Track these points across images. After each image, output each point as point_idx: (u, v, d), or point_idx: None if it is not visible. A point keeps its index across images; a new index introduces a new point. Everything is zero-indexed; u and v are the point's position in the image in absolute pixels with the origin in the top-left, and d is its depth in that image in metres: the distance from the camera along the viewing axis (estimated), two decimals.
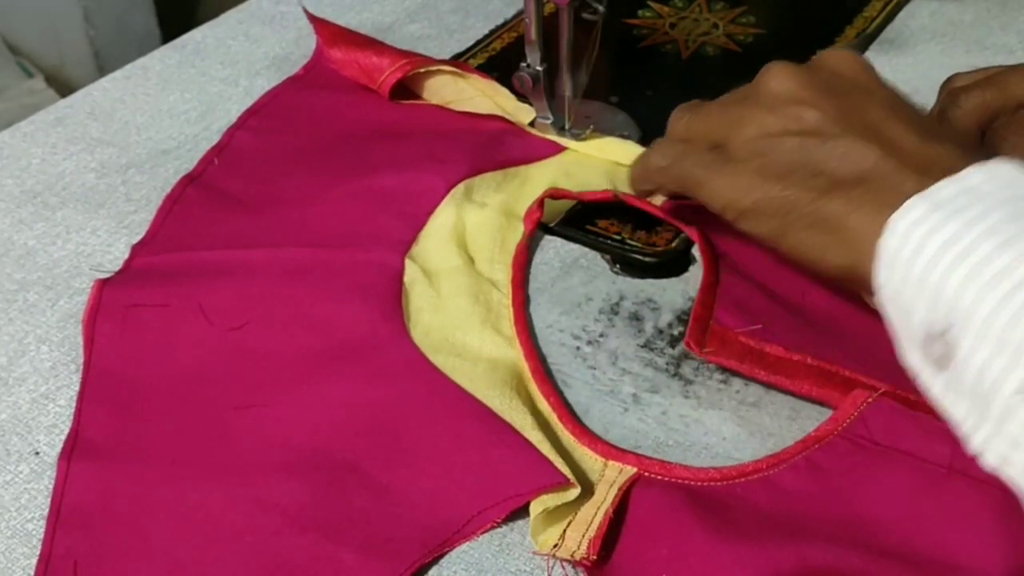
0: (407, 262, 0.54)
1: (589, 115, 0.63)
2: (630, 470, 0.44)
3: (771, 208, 0.46)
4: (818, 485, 0.43)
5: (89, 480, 0.45)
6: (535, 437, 0.45)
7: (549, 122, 0.62)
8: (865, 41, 0.71)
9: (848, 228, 0.43)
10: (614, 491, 0.43)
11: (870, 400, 0.45)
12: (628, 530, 0.42)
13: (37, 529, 0.44)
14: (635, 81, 0.68)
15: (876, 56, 0.70)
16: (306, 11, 0.70)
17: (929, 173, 0.41)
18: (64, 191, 0.61)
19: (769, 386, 0.48)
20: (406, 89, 0.66)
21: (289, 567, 0.41)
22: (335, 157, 0.61)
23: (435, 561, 0.42)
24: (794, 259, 0.46)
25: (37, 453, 0.47)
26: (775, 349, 0.48)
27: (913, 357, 0.41)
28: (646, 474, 0.44)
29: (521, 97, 0.63)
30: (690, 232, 0.54)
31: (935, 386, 0.41)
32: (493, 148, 0.61)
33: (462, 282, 0.53)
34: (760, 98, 0.48)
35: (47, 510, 0.44)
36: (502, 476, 0.44)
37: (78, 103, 0.69)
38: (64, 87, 1.65)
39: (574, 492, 0.43)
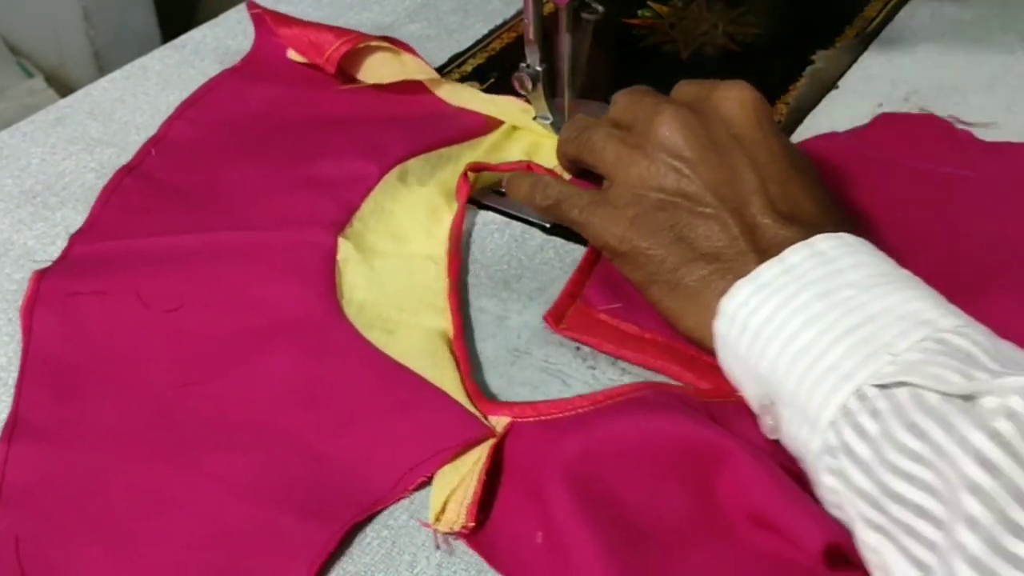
0: (340, 240, 0.55)
1: (589, 115, 0.63)
2: (505, 420, 0.45)
3: (638, 261, 0.49)
4: (686, 419, 0.44)
5: (30, 460, 0.45)
6: (463, 399, 0.46)
7: (549, 122, 0.62)
8: (865, 41, 0.71)
9: (699, 303, 0.47)
10: (486, 449, 0.44)
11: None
12: (503, 487, 0.43)
13: None
14: (635, 81, 0.68)
15: (876, 56, 0.70)
16: (250, 3, 0.71)
17: (769, 255, 0.44)
18: (64, 191, 0.61)
19: (618, 359, 0.50)
20: (343, 72, 0.67)
21: (233, 535, 0.42)
22: (272, 147, 0.63)
23: (372, 518, 0.43)
24: (658, 311, 0.49)
25: None
26: (629, 327, 0.50)
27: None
28: (519, 420, 0.45)
29: (521, 96, 0.63)
30: None
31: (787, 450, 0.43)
32: (426, 131, 0.63)
33: (397, 263, 0.55)
34: (648, 142, 0.50)
35: None
36: (430, 434, 0.45)
37: (78, 103, 0.69)
38: (64, 87, 1.65)
39: (477, 451, 0.44)
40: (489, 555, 0.41)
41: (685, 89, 0.53)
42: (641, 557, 0.40)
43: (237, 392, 0.48)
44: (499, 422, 0.45)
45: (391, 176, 0.59)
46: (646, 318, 0.50)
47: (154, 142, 0.64)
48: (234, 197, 0.59)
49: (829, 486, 0.40)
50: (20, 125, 0.67)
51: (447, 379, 0.48)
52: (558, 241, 0.57)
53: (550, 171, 0.59)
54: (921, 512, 0.36)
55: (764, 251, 0.45)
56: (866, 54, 0.70)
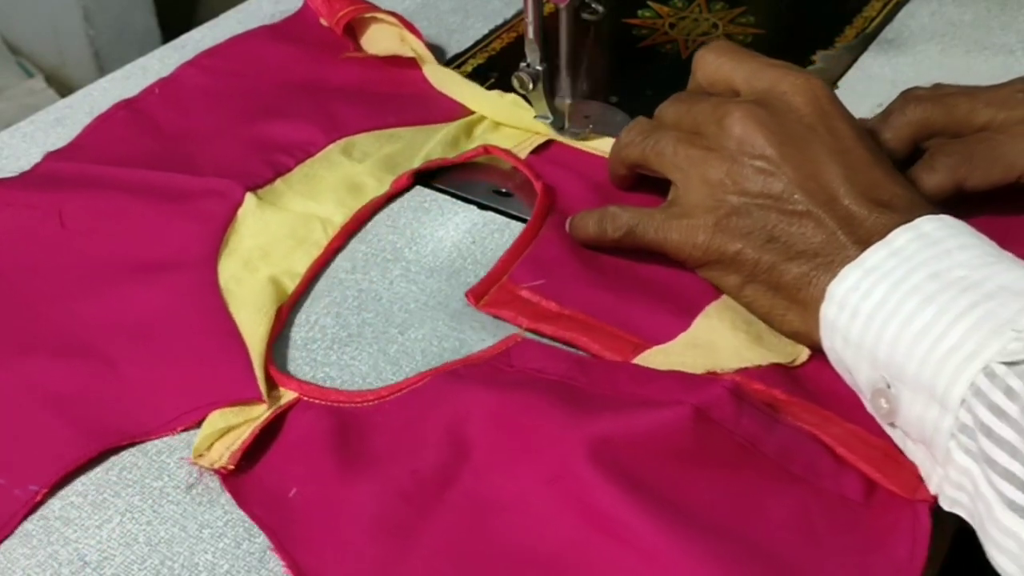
0: (248, 196, 0.57)
1: (589, 115, 0.63)
2: (291, 394, 0.48)
3: (729, 266, 0.49)
4: (456, 390, 0.47)
5: None
6: (258, 362, 0.49)
7: (549, 121, 0.62)
8: (865, 41, 0.71)
9: (801, 299, 0.46)
10: (267, 412, 0.47)
11: (519, 340, 0.50)
12: (274, 448, 0.46)
13: (37, 529, 0.44)
14: (635, 81, 0.68)
15: (876, 56, 0.70)
16: None
17: (871, 244, 0.44)
18: None
19: (533, 332, 0.51)
20: (352, 36, 0.70)
21: (12, 434, 0.47)
22: (248, 102, 0.66)
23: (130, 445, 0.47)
24: (752, 312, 0.49)
25: None
26: (549, 304, 0.52)
27: (872, 411, 0.44)
28: (304, 398, 0.48)
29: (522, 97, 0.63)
30: (537, 185, 0.58)
31: (896, 437, 0.44)
32: (394, 109, 0.64)
33: (290, 218, 0.57)
34: (724, 144, 0.49)
35: (47, 510, 0.44)
36: (212, 385, 0.48)
37: (78, 103, 0.68)
38: (64, 87, 1.65)
39: (259, 409, 0.47)
40: (240, 497, 0.44)
41: (728, 75, 0.51)
42: (402, 515, 0.43)
43: (94, 314, 0.52)
44: (287, 394, 0.48)
45: (335, 147, 0.61)
46: (569, 296, 0.52)
47: (161, 82, 0.68)
48: (191, 142, 0.63)
49: (962, 467, 0.39)
50: (20, 125, 0.67)
51: (257, 337, 0.50)
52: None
53: (505, 152, 0.60)
54: None
55: (865, 241, 0.44)
56: (866, 54, 0.70)
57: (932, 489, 0.42)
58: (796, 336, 0.48)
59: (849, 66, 0.69)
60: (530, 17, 0.58)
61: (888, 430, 0.44)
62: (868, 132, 0.50)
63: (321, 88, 0.66)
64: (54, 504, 0.45)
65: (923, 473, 0.42)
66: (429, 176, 0.61)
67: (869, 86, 0.67)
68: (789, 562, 0.40)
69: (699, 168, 0.49)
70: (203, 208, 0.57)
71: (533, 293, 0.52)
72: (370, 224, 0.58)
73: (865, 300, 0.42)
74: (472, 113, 0.64)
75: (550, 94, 0.61)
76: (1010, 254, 0.43)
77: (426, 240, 0.57)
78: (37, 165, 0.61)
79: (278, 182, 0.59)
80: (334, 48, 0.70)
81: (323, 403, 0.48)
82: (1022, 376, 0.37)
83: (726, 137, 0.48)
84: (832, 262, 0.45)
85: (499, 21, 0.75)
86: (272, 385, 0.48)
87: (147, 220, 0.56)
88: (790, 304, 0.47)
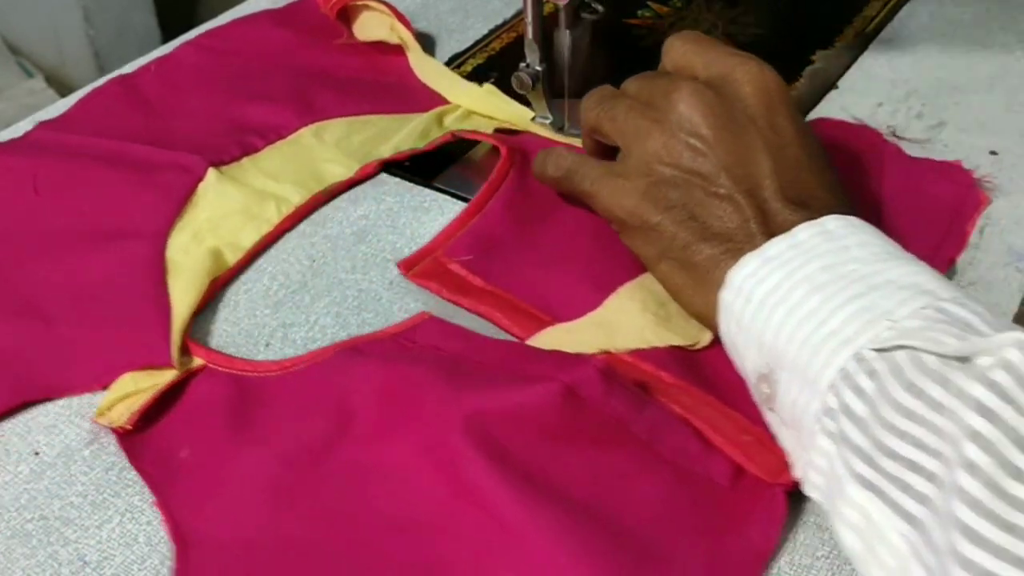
0: (210, 171, 0.58)
1: None
2: (200, 361, 0.49)
3: (650, 236, 0.50)
4: (354, 364, 0.48)
5: None
6: (178, 329, 0.50)
7: (548, 121, 0.62)
8: (864, 41, 0.71)
9: (707, 281, 0.47)
10: (171, 375, 0.48)
11: (427, 318, 0.51)
12: (173, 411, 0.47)
13: (37, 529, 0.44)
14: None
15: (875, 56, 0.70)
16: None
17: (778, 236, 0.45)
18: None
19: (452, 303, 0.52)
20: (346, 21, 0.71)
21: None
22: (235, 83, 0.67)
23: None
24: (666, 288, 0.50)
25: (37, 453, 0.47)
26: (476, 280, 0.53)
27: (755, 398, 0.45)
28: (211, 365, 0.49)
29: (521, 98, 0.63)
30: (502, 149, 0.59)
31: (772, 423, 0.44)
32: (373, 97, 0.65)
33: (246, 193, 0.58)
34: (667, 118, 0.50)
35: (47, 510, 0.44)
36: (129, 349, 0.49)
37: None
38: (64, 87, 1.65)
39: (169, 375, 0.48)
40: (132, 454, 0.46)
41: (691, 60, 0.52)
42: (285, 481, 0.44)
43: (47, 277, 0.53)
44: (199, 362, 0.49)
45: (307, 130, 0.62)
46: (496, 273, 0.53)
47: (158, 60, 0.69)
48: (174, 118, 0.64)
49: (823, 449, 0.40)
50: (20, 125, 0.66)
51: (184, 305, 0.51)
52: None
53: (472, 132, 0.61)
54: (914, 467, 0.36)
55: (773, 234, 0.45)
56: (866, 54, 0.70)
57: (797, 474, 0.43)
58: (700, 317, 0.49)
59: (849, 66, 0.69)
60: (530, 17, 0.59)
61: (767, 416, 0.44)
62: (814, 137, 0.51)
63: (308, 73, 0.67)
64: (54, 504, 0.45)
65: (791, 459, 0.43)
66: (430, 175, 0.61)
67: (869, 86, 0.67)
68: (646, 540, 0.41)
69: (642, 136, 0.50)
70: (167, 181, 0.58)
71: (461, 267, 0.53)
72: (369, 224, 0.58)
73: (759, 286, 0.43)
74: (447, 103, 0.65)
75: (550, 94, 0.61)
76: (910, 254, 0.44)
77: (426, 240, 0.57)
78: (28, 133, 0.63)
79: (244, 160, 0.60)
80: (330, 35, 0.71)
81: (227, 371, 0.49)
82: (890, 361, 0.38)
83: (671, 111, 0.50)
84: (741, 249, 0.46)
85: (499, 21, 0.75)
86: (186, 352, 0.49)
87: (113, 190, 0.58)
88: (697, 285, 0.48)
